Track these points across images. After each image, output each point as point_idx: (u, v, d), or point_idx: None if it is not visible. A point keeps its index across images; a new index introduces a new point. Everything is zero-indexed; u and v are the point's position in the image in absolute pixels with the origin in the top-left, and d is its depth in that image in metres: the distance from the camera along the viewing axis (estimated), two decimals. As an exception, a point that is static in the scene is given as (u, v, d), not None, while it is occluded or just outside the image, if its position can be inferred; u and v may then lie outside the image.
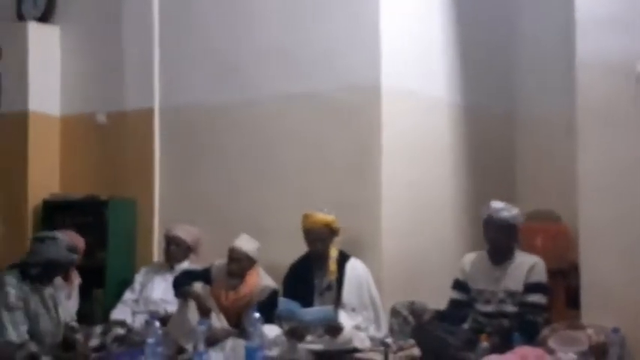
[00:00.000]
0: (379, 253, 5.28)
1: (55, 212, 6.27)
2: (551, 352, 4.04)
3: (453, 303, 4.64)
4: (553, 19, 6.00)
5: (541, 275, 4.51)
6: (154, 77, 6.15)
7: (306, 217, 5.03)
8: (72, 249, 4.57)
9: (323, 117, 5.56)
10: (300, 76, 5.64)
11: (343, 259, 5.02)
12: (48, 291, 4.58)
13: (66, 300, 4.81)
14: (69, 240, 4.59)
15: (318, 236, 4.97)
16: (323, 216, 5.00)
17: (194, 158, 6.06)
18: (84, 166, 6.47)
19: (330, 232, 4.99)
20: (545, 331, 4.36)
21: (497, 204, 4.59)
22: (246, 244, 5.14)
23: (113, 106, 6.34)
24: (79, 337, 4.70)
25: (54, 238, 4.56)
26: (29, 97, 6.41)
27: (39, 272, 4.51)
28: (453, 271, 4.76)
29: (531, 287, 4.45)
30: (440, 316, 4.58)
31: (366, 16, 5.43)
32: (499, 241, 4.54)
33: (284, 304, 4.69)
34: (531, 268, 4.49)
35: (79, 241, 5.29)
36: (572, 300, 5.20)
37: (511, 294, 4.48)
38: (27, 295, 4.47)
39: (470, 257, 4.72)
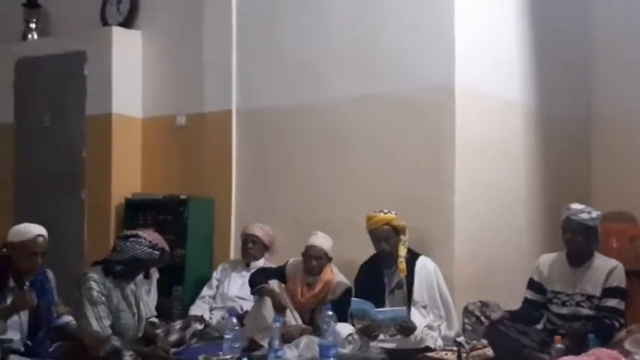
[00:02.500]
0: (451, 253, 5.28)
1: (136, 211, 6.43)
2: (627, 354, 3.97)
3: (528, 303, 4.60)
4: (629, 21, 5.90)
5: (620, 280, 4.42)
6: (232, 80, 6.25)
7: (368, 218, 5.05)
8: (154, 247, 4.67)
9: (397, 118, 5.59)
10: (374, 78, 5.68)
11: (413, 257, 5.02)
12: (129, 287, 4.70)
13: (146, 295, 4.93)
14: (151, 238, 4.71)
15: (382, 236, 4.98)
16: (383, 215, 5.01)
17: (270, 158, 6.15)
18: (164, 167, 6.61)
19: (393, 230, 5.00)
20: (621, 333, 4.30)
21: (576, 205, 4.52)
22: (323, 241, 5.21)
23: (192, 108, 6.46)
24: (159, 332, 4.86)
25: (137, 237, 4.66)
26: (113, 99, 6.56)
27: (122, 269, 4.62)
28: (524, 272, 4.74)
29: (610, 292, 4.38)
30: (513, 316, 4.54)
31: (440, 17, 5.44)
32: (576, 242, 4.47)
33: (357, 303, 4.72)
34: (610, 272, 4.41)
35: (162, 241, 5.34)
36: (649, 302, 5.13)
37: (588, 297, 4.42)
38: (109, 291, 4.59)
39: (547, 258, 4.66)
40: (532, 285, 4.61)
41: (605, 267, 4.45)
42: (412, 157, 5.50)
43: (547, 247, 5.07)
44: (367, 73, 5.71)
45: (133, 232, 4.76)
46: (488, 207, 5.54)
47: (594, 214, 4.49)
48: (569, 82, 6.29)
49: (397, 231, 5.01)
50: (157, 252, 4.68)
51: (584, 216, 4.46)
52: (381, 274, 5.05)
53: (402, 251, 4.99)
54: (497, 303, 4.88)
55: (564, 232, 4.51)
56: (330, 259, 5.23)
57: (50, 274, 4.43)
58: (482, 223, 5.48)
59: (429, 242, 5.25)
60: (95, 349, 4.24)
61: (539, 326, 4.55)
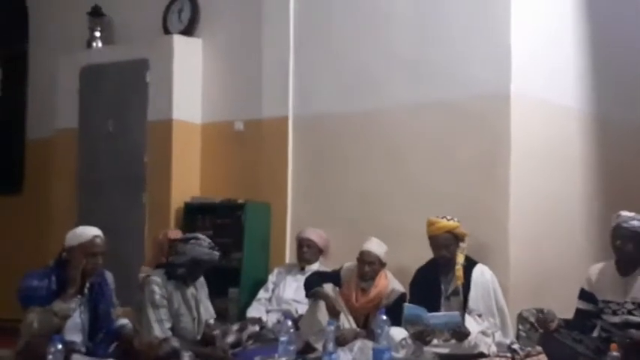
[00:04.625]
0: (506, 260, 5.28)
1: (195, 214, 6.53)
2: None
3: (580, 313, 4.56)
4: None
5: None
6: (289, 87, 6.33)
7: (430, 223, 5.06)
8: (213, 248, 4.75)
9: (452, 124, 5.60)
10: (430, 85, 5.70)
11: (470, 264, 5.02)
12: (190, 291, 4.78)
13: (206, 298, 5.00)
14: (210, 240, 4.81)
15: (443, 243, 4.99)
16: (447, 222, 5.01)
17: (326, 164, 6.20)
18: (222, 171, 6.70)
19: (454, 238, 5.00)
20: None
21: (627, 213, 4.48)
22: (377, 247, 5.23)
23: (250, 114, 6.55)
24: (217, 333, 4.92)
25: (197, 239, 4.76)
26: (173, 106, 6.67)
27: (184, 272, 4.71)
28: (579, 280, 4.68)
29: None
30: (567, 325, 4.53)
31: (496, 24, 5.45)
32: (626, 250, 4.42)
33: (410, 309, 4.73)
34: None
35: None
36: None
37: (639, 305, 4.37)
38: (171, 295, 4.68)
39: (596, 267, 4.62)
40: (583, 295, 4.58)
41: None
42: (468, 164, 5.51)
43: (602, 255, 5.00)
44: (424, 79, 5.73)
45: (192, 234, 4.85)
46: (544, 214, 5.52)
47: None
48: (627, 89, 6.21)
49: (458, 238, 5.01)
50: (217, 252, 4.76)
51: (635, 223, 4.41)
52: (438, 280, 5.05)
53: (460, 258, 4.99)
54: (551, 310, 4.85)
55: (614, 239, 4.48)
56: (383, 265, 5.25)
57: (109, 277, 4.49)
58: (538, 230, 5.45)
59: (484, 249, 5.24)
60: (146, 354, 4.34)
61: (594, 335, 4.51)
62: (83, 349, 4.27)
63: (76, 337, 4.25)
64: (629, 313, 4.40)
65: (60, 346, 3.49)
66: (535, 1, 5.61)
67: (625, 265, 4.47)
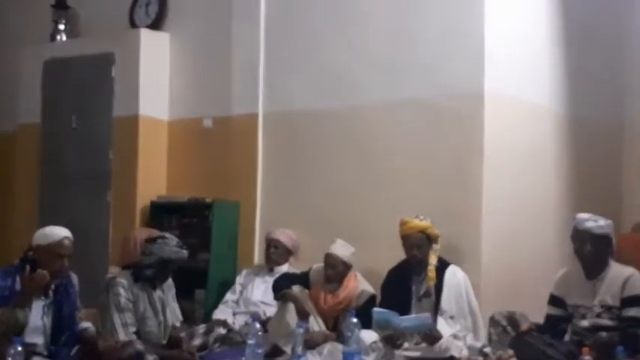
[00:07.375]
0: (478, 261, 5.26)
1: (161, 213, 6.44)
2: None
3: (550, 318, 4.57)
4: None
5: (638, 288, 4.36)
6: (259, 83, 6.27)
7: (402, 223, 5.03)
8: (181, 246, 4.68)
9: (425, 123, 5.57)
10: (403, 83, 5.67)
11: (442, 266, 4.99)
12: (157, 294, 4.70)
13: (173, 301, 4.90)
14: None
15: (415, 243, 4.97)
16: (419, 222, 4.99)
17: (296, 163, 6.15)
18: (190, 169, 6.62)
19: (426, 238, 4.98)
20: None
21: (582, 215, 4.49)
22: (341, 249, 5.19)
23: (219, 111, 6.48)
24: (183, 336, 4.84)
25: (164, 238, 4.68)
26: (140, 101, 6.58)
27: (153, 273, 4.62)
28: (552, 282, 4.69)
29: (629, 301, 4.33)
30: (538, 329, 4.51)
31: (470, 22, 5.42)
32: (585, 252, 4.43)
33: (379, 314, 4.70)
34: (626, 281, 4.36)
35: None
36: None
37: (608, 308, 4.38)
38: (137, 298, 4.60)
39: (564, 272, 4.63)
40: (553, 300, 4.58)
41: (621, 276, 4.41)
42: (440, 164, 5.48)
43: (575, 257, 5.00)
44: (396, 77, 5.70)
45: (160, 233, 4.76)
46: (517, 215, 5.50)
47: (602, 222, 4.43)
48: (602, 89, 6.24)
49: (430, 239, 4.99)
50: (185, 251, 4.69)
51: (590, 224, 4.41)
52: (410, 282, 5.03)
53: (433, 259, 4.97)
54: (524, 313, 4.83)
55: (573, 242, 4.49)
56: (349, 268, 5.20)
57: (74, 279, 4.42)
58: (510, 231, 5.44)
59: (456, 250, 5.21)
60: (109, 356, 4.24)
61: (565, 339, 4.50)
62: (45, 352, 4.18)
63: (37, 339, 4.16)
64: (598, 316, 4.40)
65: (19, 348, 3.41)
66: (509, 1, 5.60)
67: (590, 267, 4.47)
